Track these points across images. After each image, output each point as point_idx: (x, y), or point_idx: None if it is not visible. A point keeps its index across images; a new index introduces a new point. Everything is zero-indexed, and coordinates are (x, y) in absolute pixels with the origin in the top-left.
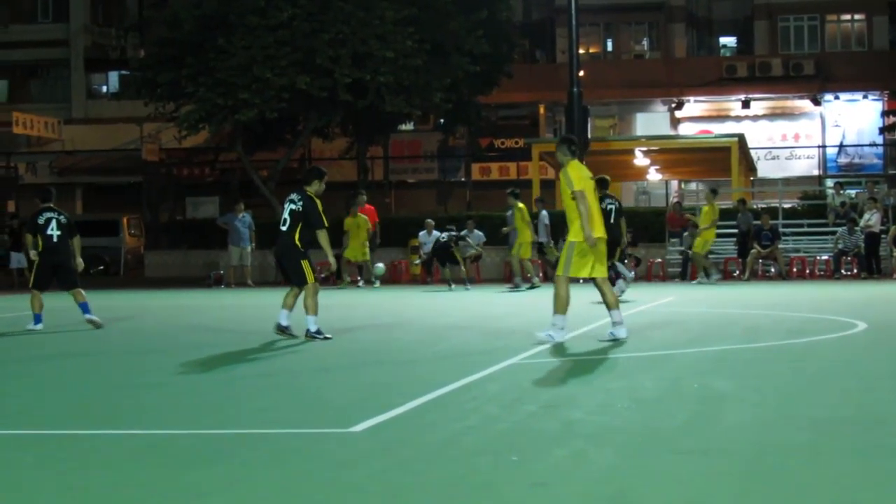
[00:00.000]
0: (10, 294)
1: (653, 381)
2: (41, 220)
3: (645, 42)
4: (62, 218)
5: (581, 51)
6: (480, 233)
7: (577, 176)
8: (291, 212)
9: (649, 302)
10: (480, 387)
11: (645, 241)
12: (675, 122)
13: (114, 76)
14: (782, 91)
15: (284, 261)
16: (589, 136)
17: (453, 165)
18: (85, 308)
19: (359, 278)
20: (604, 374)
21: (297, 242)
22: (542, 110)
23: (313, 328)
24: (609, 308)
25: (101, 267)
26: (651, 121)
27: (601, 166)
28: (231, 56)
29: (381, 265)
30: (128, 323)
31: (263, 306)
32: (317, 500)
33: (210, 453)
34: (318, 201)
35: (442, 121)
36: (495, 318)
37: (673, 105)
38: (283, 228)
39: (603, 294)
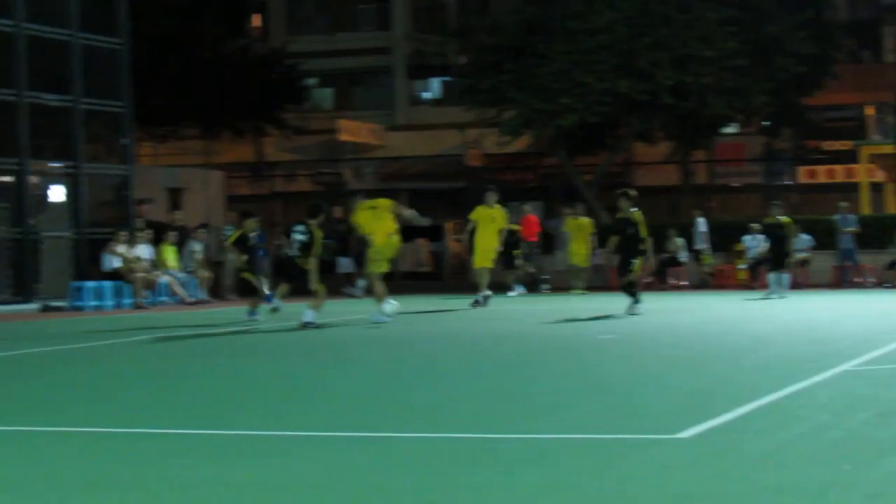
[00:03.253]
0: (336, 298)
1: None
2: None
3: None
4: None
5: None
6: (808, 236)
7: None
8: (303, 243)
9: None
10: (809, 394)
11: None
12: None
13: (436, 82)
14: None
15: (300, 277)
16: None
17: (778, 169)
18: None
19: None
20: None
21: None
22: (870, 111)
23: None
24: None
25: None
26: None
27: None
28: (551, 61)
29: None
30: (435, 326)
31: (589, 311)
32: None
33: (536, 456)
34: (319, 233)
35: (767, 123)
36: (823, 324)
37: None
38: (298, 254)
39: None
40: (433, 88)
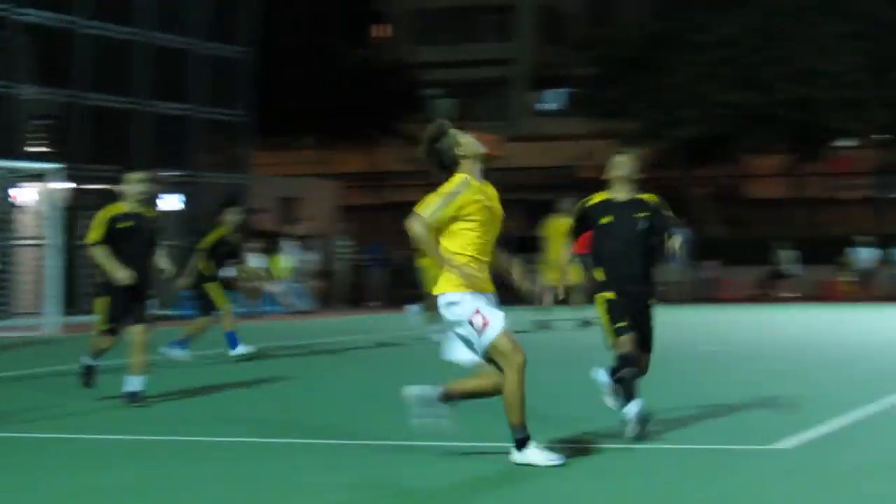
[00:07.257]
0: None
1: None
2: None
3: None
4: None
5: None
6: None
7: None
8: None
9: None
10: None
11: None
12: None
13: (557, 94)
14: None
15: None
16: None
17: (892, 182)
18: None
19: None
20: None
21: None
22: None
23: None
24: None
25: None
26: None
27: None
28: (673, 73)
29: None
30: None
31: (690, 324)
32: None
33: (638, 466)
34: None
35: (884, 136)
36: None
37: None
38: None
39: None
40: (554, 99)
